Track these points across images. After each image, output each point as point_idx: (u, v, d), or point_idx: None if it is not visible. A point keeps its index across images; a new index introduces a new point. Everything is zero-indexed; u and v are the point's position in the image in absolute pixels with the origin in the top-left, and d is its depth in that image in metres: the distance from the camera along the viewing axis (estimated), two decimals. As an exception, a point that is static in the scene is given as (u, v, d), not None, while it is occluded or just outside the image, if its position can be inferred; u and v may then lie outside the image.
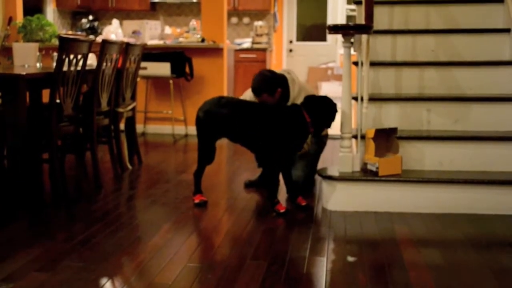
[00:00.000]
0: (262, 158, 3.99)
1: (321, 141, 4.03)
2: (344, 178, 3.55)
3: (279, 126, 3.42)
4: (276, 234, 3.09)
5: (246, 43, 9.21)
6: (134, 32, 7.36)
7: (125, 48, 4.44)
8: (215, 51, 6.52)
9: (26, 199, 3.47)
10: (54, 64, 3.69)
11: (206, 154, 3.62)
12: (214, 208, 3.62)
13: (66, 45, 3.53)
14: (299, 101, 3.72)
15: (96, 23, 9.49)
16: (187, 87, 6.58)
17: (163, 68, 6.22)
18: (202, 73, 6.54)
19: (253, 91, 3.65)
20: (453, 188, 3.49)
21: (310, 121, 3.42)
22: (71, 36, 4.18)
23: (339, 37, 8.48)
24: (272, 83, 3.63)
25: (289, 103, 3.76)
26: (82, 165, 4.16)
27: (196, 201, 3.64)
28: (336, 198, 3.55)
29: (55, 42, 5.89)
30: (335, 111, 3.50)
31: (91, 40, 3.92)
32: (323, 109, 3.45)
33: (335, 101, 3.54)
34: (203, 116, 3.52)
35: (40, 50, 4.38)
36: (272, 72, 3.73)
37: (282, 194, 3.82)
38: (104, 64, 4.07)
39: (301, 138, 3.48)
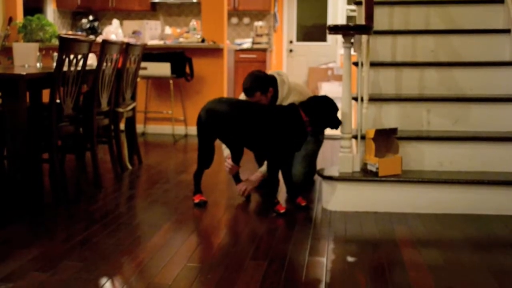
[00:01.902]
0: (261, 158, 3.99)
1: (318, 139, 4.03)
2: (344, 178, 3.55)
3: (275, 125, 3.41)
4: (276, 234, 3.09)
5: (246, 43, 9.21)
6: (134, 32, 7.36)
7: (125, 48, 4.45)
8: (215, 51, 6.52)
9: (26, 199, 3.47)
10: (54, 64, 3.70)
11: (206, 155, 3.62)
12: (214, 208, 3.62)
13: (66, 45, 3.53)
14: (287, 102, 3.72)
15: (96, 23, 9.49)
16: (187, 87, 6.58)
17: (163, 68, 6.22)
18: (202, 73, 6.54)
19: (246, 91, 3.65)
20: (453, 188, 3.49)
21: (308, 120, 3.42)
22: (71, 36, 4.18)
23: (339, 37, 8.49)
24: (264, 82, 3.66)
25: (277, 104, 3.77)
26: (82, 165, 4.16)
27: (196, 201, 3.64)
28: (336, 198, 3.55)
29: (55, 42, 5.89)
30: (335, 110, 3.49)
31: (91, 40, 3.92)
32: (320, 108, 3.44)
33: (335, 101, 3.54)
34: (204, 115, 3.52)
35: (40, 50, 4.38)
36: (263, 72, 3.77)
37: (282, 194, 3.83)
38: (104, 64, 4.07)
39: (299, 137, 3.47)
